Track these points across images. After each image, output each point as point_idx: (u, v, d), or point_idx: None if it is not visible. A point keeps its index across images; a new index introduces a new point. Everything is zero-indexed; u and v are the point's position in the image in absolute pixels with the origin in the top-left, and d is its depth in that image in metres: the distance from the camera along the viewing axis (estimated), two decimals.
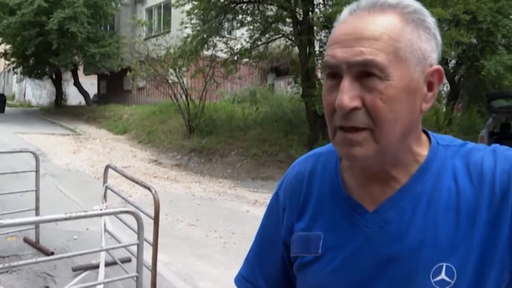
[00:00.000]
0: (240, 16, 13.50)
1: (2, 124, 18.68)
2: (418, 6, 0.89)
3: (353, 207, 0.97)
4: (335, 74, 0.87)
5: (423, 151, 0.94)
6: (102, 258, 4.18)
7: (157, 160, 13.19)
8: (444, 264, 0.86)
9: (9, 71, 39.86)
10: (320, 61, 13.52)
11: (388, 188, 0.93)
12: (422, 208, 0.90)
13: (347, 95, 0.83)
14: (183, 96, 15.13)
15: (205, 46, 13.40)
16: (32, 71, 26.63)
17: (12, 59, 26.14)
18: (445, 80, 20.57)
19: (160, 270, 4.81)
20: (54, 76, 28.00)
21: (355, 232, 0.95)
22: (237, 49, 13.77)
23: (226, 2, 12.81)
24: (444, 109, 18.65)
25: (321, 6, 12.30)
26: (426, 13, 0.90)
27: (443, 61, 18.06)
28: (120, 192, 7.76)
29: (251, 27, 13.76)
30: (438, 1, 11.44)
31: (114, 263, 4.34)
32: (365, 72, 0.84)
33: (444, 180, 0.90)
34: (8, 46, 26.21)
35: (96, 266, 4.35)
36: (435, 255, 0.87)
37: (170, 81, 15.25)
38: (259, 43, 13.81)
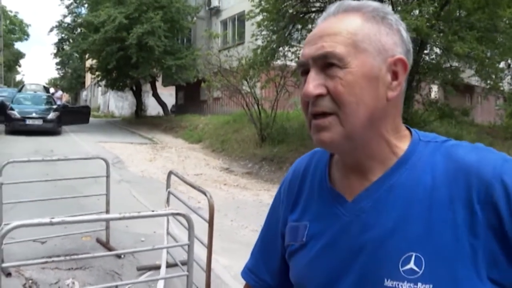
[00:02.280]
0: (310, 26, 13.59)
1: (86, 134, 19.84)
2: (379, 5, 0.99)
3: (335, 197, 1.03)
4: (306, 71, 0.97)
5: (402, 145, 0.98)
6: (163, 257, 4.43)
7: (229, 168, 13.44)
8: (414, 254, 0.88)
9: (95, 84, 42.28)
10: None
11: (366, 180, 0.99)
12: (396, 200, 0.93)
13: (312, 84, 0.93)
14: (255, 106, 15.37)
15: (275, 56, 13.58)
16: (114, 84, 27.97)
17: (97, 73, 27.70)
18: None
19: (219, 273, 5.01)
20: (134, 88, 29.34)
21: (334, 221, 1.01)
22: None
23: (294, 13, 12.95)
24: None
25: None
26: (387, 11, 0.98)
27: None
28: (190, 198, 8.13)
29: None
30: None
31: (176, 264, 4.57)
32: (327, 63, 0.92)
33: (421, 174, 0.93)
34: (93, 61, 27.89)
35: (159, 267, 4.60)
36: (405, 245, 0.90)
37: (242, 91, 15.54)
38: None
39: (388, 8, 1.00)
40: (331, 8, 0.99)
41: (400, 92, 0.97)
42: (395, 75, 0.95)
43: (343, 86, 0.91)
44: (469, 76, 13.62)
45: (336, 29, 0.94)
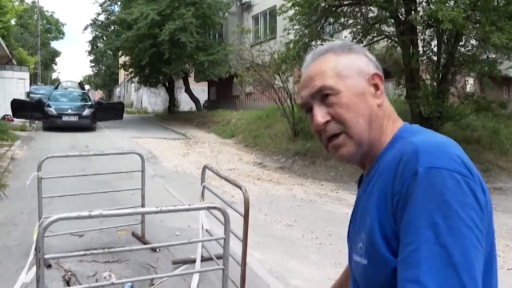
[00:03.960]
0: (342, 19, 13.46)
1: (120, 130, 20.17)
2: (342, 42, 1.27)
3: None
4: (309, 109, 1.22)
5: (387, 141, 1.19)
6: (198, 251, 4.46)
7: (262, 163, 13.46)
8: (363, 233, 1.12)
9: (128, 81, 42.84)
10: (425, 61, 13.08)
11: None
12: (368, 188, 1.15)
13: (318, 115, 1.18)
14: (288, 100, 15.34)
15: (308, 50, 13.50)
16: (147, 80, 28.32)
17: (130, 69, 28.08)
18: None
19: (253, 267, 5.02)
20: (167, 84, 29.65)
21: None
22: None
23: (326, 6, 12.84)
24: None
25: (424, 4, 11.88)
26: (350, 43, 1.27)
27: None
28: (223, 193, 8.18)
29: (354, 30, 13.67)
30: None
31: (211, 258, 4.60)
32: (323, 95, 1.18)
33: (383, 168, 1.11)
34: (126, 58, 28.27)
35: (194, 260, 4.63)
36: (361, 225, 1.15)
37: (275, 86, 15.51)
38: (362, 45, 13.65)
39: (350, 42, 1.28)
40: (308, 57, 1.27)
41: (384, 98, 1.22)
42: (376, 86, 1.20)
43: (341, 108, 1.16)
44: (507, 68, 13.23)
45: (320, 69, 1.20)
